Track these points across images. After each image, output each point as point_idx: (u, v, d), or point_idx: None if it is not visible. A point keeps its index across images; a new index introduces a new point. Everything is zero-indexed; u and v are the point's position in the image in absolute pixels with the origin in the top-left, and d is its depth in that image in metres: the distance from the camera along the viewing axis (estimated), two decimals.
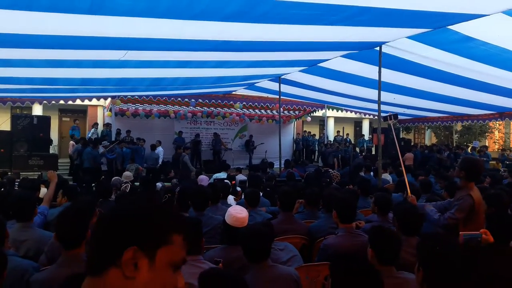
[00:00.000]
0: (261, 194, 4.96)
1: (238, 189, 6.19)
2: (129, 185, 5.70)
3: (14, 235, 2.81)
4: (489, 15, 4.26)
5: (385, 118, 5.84)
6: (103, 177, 9.09)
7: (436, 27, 4.89)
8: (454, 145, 22.37)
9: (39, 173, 10.75)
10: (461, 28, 4.77)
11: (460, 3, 3.96)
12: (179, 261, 0.95)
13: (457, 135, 24.53)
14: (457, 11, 4.22)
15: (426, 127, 25.49)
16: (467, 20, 4.51)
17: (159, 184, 6.91)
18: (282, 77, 9.06)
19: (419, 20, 4.63)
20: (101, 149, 11.72)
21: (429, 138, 27.51)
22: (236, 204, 4.82)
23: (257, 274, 2.33)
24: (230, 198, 5.19)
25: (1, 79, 6.90)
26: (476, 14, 4.29)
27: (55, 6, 3.40)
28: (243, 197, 4.78)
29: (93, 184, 7.31)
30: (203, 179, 6.00)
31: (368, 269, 1.76)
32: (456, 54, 5.74)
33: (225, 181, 5.74)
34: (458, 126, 22.97)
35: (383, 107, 10.96)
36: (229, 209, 2.72)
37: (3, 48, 4.75)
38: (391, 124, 5.78)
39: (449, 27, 4.79)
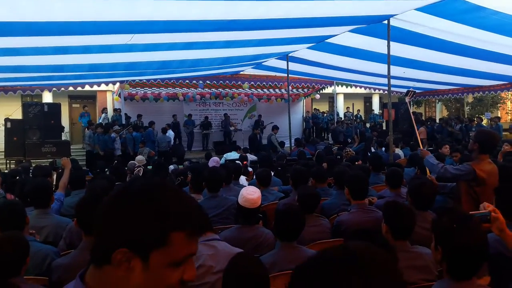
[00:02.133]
0: (272, 173, 4.98)
1: (250, 169, 6.23)
2: (142, 169, 5.76)
3: (33, 222, 2.89)
4: None
5: (406, 93, 5.78)
6: (116, 161, 9.19)
7: None
8: (466, 117, 22.11)
9: (52, 159, 10.89)
10: None
11: None
12: (181, 258, 0.87)
13: (468, 107, 24.15)
14: None
15: (437, 100, 25.14)
16: None
17: (171, 167, 6.97)
18: (290, 55, 8.97)
19: None
20: (113, 135, 11.81)
21: (440, 111, 27.16)
22: (248, 184, 4.86)
23: (286, 254, 2.38)
24: (242, 179, 5.22)
25: (10, 67, 6.95)
26: None
27: None
28: (254, 177, 4.81)
29: (106, 169, 7.40)
30: (215, 160, 6.03)
31: (383, 243, 1.77)
32: (466, 25, 5.61)
33: (237, 161, 5.77)
34: (469, 98, 22.59)
35: (393, 82, 10.87)
36: (242, 190, 2.75)
37: (11, 37, 4.77)
38: (408, 101, 5.74)
39: None
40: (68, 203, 3.97)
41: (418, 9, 5.31)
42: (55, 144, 11.53)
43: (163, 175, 5.21)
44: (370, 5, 4.98)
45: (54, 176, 5.64)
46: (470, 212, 1.84)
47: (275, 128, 12.94)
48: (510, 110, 26.14)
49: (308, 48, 8.06)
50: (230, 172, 4.43)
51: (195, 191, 3.76)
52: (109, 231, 0.87)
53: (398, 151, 8.50)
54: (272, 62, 10.00)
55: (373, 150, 9.17)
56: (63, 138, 13.04)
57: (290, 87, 12.61)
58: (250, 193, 2.67)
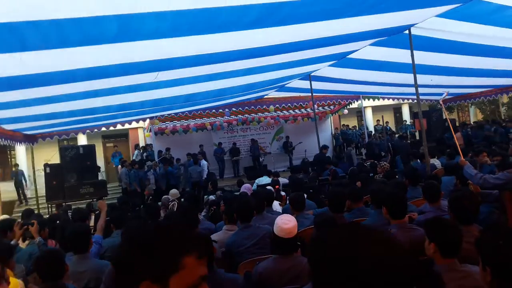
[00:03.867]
0: (305, 195, 4.89)
1: (283, 193, 6.14)
2: (176, 203, 5.80)
3: (73, 267, 2.93)
4: None
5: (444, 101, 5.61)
6: (150, 197, 9.32)
7: (466, 1, 4.66)
8: (503, 118, 21.22)
9: (90, 200, 11.19)
10: None
11: None
12: (196, 280, 0.99)
13: (504, 107, 23.21)
14: None
15: (470, 104, 24.34)
16: None
17: (211, 197, 6.95)
18: (312, 74, 8.96)
19: None
20: (146, 170, 12.06)
21: (474, 115, 26.22)
22: (282, 209, 4.79)
23: None
24: (276, 204, 5.13)
25: (46, 115, 7.26)
26: None
27: (86, 39, 3.53)
28: (288, 201, 4.73)
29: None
30: (247, 187, 5.99)
31: (428, 272, 1.65)
32: (492, 25, 5.44)
33: (268, 187, 5.71)
34: (504, 99, 21.74)
35: (421, 90, 10.62)
36: (277, 219, 2.68)
37: (42, 87, 4.99)
38: (442, 105, 5.56)
39: None
40: (108, 244, 4.03)
41: (439, 15, 5.20)
42: (92, 185, 11.88)
43: (196, 207, 5.22)
44: (389, 18, 4.92)
45: (92, 218, 5.76)
46: None
47: (325, 147, 12.67)
48: None
49: (330, 65, 8.03)
50: (261, 199, 4.36)
51: (229, 222, 3.73)
52: (131, 269, 0.99)
53: (435, 160, 8.21)
54: (295, 83, 10.01)
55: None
56: (100, 177, 13.42)
57: (316, 106, 12.55)
58: (285, 222, 2.59)
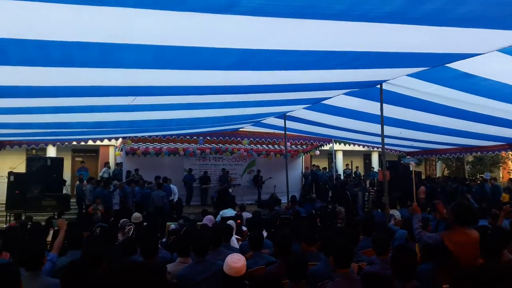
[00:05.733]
0: (265, 234, 4.96)
1: (244, 228, 6.19)
2: (132, 228, 5.76)
3: (23, 283, 2.88)
4: (484, 53, 4.36)
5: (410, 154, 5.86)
6: (112, 219, 9.18)
7: (434, 66, 4.99)
8: (467, 176, 22.05)
9: (51, 213, 10.90)
10: (459, 65, 4.82)
11: (455, 45, 4.07)
12: None
13: (469, 166, 24.19)
14: (453, 51, 4.33)
15: (437, 159, 25.23)
16: (463, 59, 4.62)
17: (172, 226, 6.87)
18: (288, 114, 9.20)
19: (417, 61, 4.75)
20: (111, 190, 11.88)
21: (441, 170, 27.14)
22: (240, 245, 4.83)
23: None
24: (234, 240, 5.18)
25: (16, 124, 7.18)
26: (471, 53, 4.40)
27: (67, 60, 3.62)
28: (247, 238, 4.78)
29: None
30: (208, 219, 6.01)
31: None
32: (457, 90, 5.76)
33: (228, 221, 5.75)
34: (469, 158, 22.71)
35: (389, 141, 11.02)
36: (227, 258, 2.76)
37: (17, 98, 5.00)
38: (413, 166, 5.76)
39: (447, 65, 4.89)
40: (62, 263, 3.96)
41: (409, 75, 5.51)
42: (55, 198, 11.60)
43: (154, 234, 5.19)
44: (362, 73, 5.21)
45: (51, 233, 5.65)
46: None
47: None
48: (511, 170, 26.10)
49: (305, 108, 8.29)
50: (219, 234, 4.40)
51: (182, 254, 3.73)
52: None
53: (394, 211, 8.46)
54: (271, 120, 10.23)
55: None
56: (65, 191, 13.11)
57: (289, 143, 12.80)
58: (234, 261, 2.68)
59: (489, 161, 23.30)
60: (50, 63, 3.65)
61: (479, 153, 12.96)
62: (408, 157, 13.96)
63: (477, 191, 14.81)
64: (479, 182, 16.48)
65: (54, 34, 3.00)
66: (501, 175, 25.33)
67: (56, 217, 10.49)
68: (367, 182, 17.86)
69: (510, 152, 20.23)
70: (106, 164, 15.97)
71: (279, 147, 17.14)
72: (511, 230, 5.33)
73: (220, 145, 15.93)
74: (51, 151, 16.64)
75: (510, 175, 25.50)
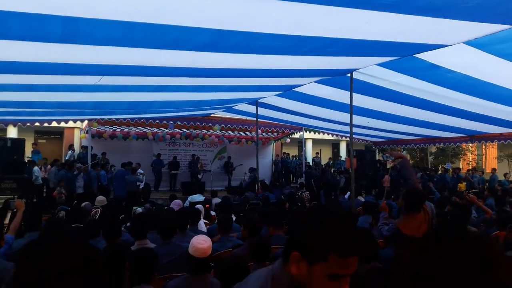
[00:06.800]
0: (234, 218, 4.97)
1: (213, 213, 6.17)
2: (99, 210, 5.63)
3: None
4: (451, 45, 4.47)
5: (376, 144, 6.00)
6: (75, 202, 8.94)
7: (403, 55, 5.09)
8: (430, 166, 22.86)
9: (10, 196, 10.48)
10: (427, 56, 4.93)
11: (424, 35, 4.14)
12: (335, 274, 1.18)
13: (432, 157, 25.06)
14: (421, 42, 4.42)
15: (402, 149, 25.96)
16: (431, 50, 4.72)
17: (138, 209, 6.79)
18: (259, 100, 9.19)
19: (387, 50, 4.82)
20: (75, 173, 11.54)
21: None
22: (208, 228, 4.82)
23: None
24: (201, 224, 5.17)
25: None
26: (439, 44, 4.50)
27: (28, 35, 3.44)
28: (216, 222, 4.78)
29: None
30: (176, 203, 5.95)
31: None
32: (424, 81, 5.90)
33: (197, 206, 5.72)
34: (433, 148, 23.51)
35: (358, 130, 11.22)
36: (192, 239, 2.74)
37: None
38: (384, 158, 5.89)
39: (416, 55, 4.98)
40: (19, 245, 3.82)
41: (379, 64, 5.59)
42: (15, 180, 11.15)
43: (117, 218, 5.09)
44: (334, 60, 5.24)
45: (9, 216, 5.44)
46: None
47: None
48: (470, 161, 27.25)
49: (277, 95, 8.30)
50: (185, 217, 4.38)
51: (139, 237, 3.68)
52: (291, 241, 1.27)
53: (361, 198, 8.67)
54: (243, 106, 10.20)
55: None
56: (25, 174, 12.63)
57: (260, 131, 12.81)
58: (200, 243, 2.66)
59: (450, 153, 24.21)
60: (10, 37, 3.45)
61: (442, 144, 13.43)
62: (387, 154, 14.35)
63: (439, 180, 15.40)
64: (440, 172, 17.09)
65: (13, 5, 2.82)
66: (461, 166, 26.38)
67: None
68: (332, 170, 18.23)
69: (470, 144, 21.05)
70: (71, 146, 15.51)
71: (250, 134, 17.14)
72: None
73: (191, 130, 15.76)
74: (12, 132, 15.97)
75: (469, 166, 26.63)
